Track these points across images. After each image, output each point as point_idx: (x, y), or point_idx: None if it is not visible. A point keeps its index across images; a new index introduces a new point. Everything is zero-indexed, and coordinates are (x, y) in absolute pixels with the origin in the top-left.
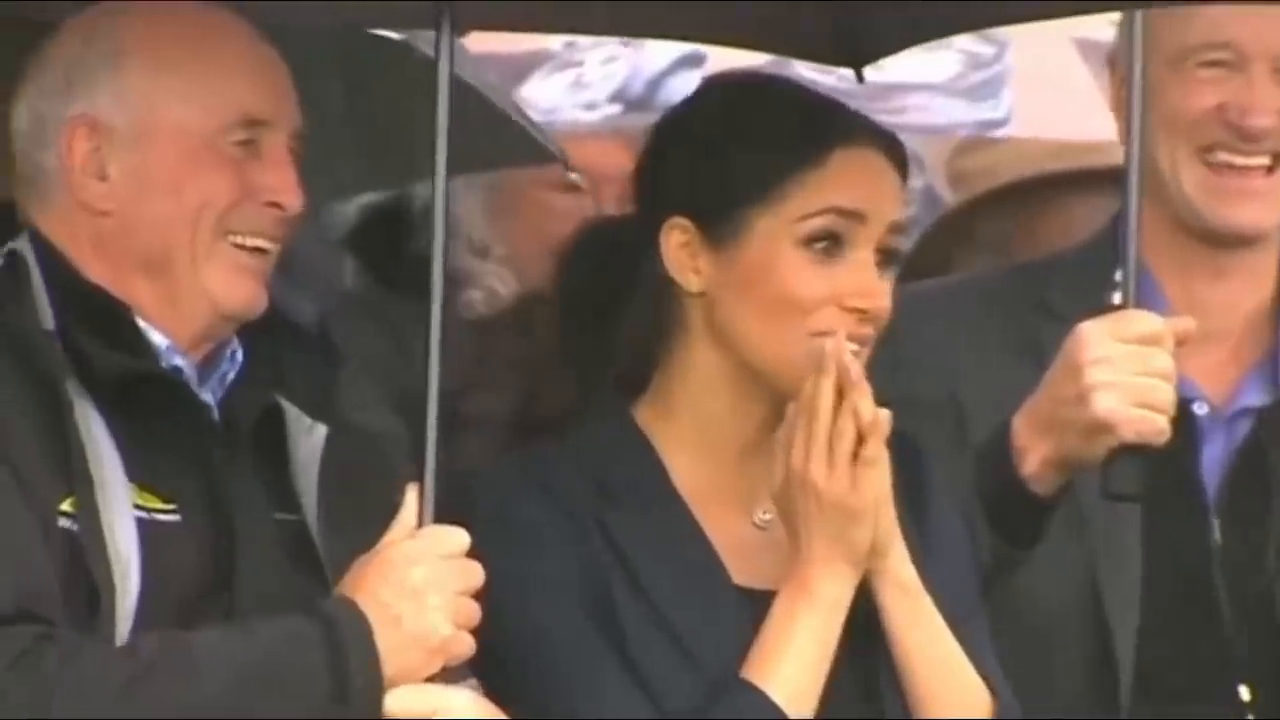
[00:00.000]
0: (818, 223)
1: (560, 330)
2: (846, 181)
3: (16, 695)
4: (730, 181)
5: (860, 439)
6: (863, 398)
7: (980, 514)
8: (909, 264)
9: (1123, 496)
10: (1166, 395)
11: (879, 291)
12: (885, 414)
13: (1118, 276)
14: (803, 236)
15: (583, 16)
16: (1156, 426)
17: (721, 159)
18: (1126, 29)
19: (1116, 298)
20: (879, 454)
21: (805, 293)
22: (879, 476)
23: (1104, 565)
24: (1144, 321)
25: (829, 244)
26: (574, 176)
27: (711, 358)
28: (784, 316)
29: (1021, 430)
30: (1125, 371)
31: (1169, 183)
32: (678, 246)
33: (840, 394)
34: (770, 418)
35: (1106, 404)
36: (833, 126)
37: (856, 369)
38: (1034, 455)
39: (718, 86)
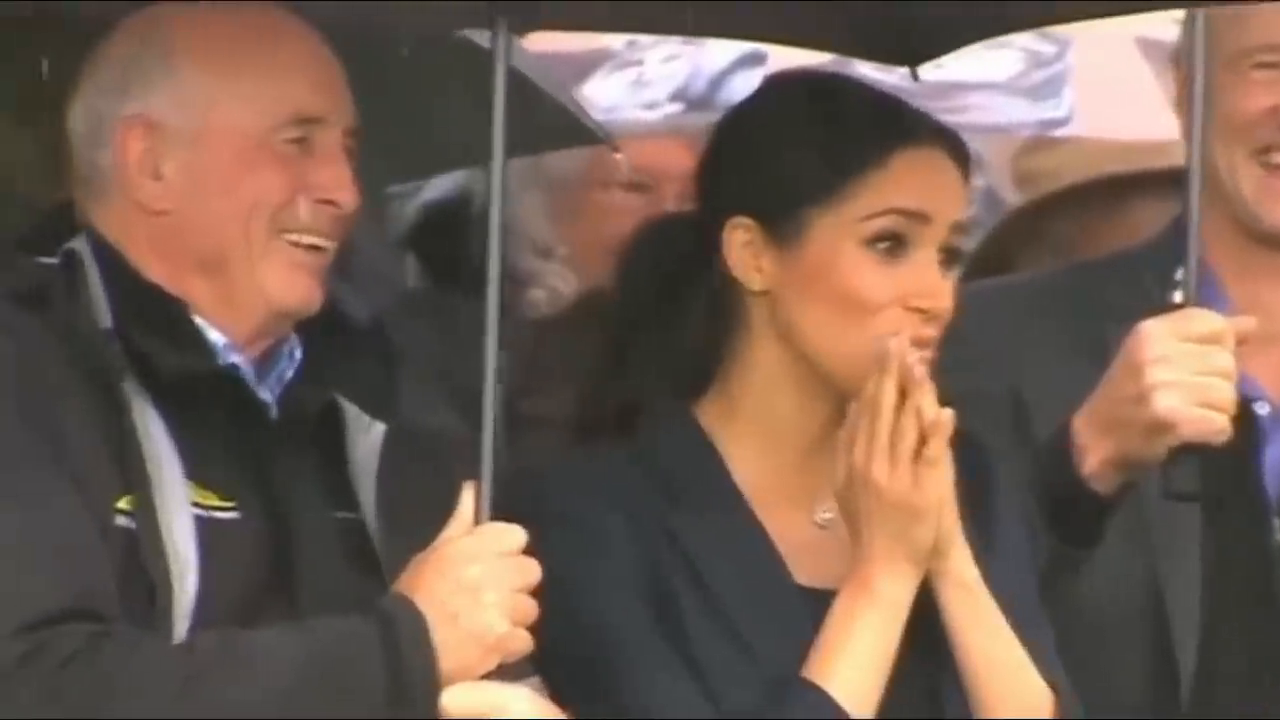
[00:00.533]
0: (881, 223)
1: (616, 329)
2: (910, 182)
3: (71, 694)
4: (793, 181)
5: (922, 438)
6: (925, 397)
7: (1039, 513)
8: (972, 264)
9: (1183, 496)
10: (1227, 394)
11: (942, 291)
12: (948, 413)
13: (1179, 275)
14: (866, 237)
15: (641, 16)
16: (1217, 426)
17: (784, 159)
18: (1189, 28)
19: (1178, 296)
20: (941, 453)
21: (869, 293)
22: (941, 476)
23: (1165, 567)
24: (1205, 320)
25: (892, 244)
26: (623, 166)
27: (774, 356)
28: (848, 317)
29: (1082, 429)
30: (1186, 370)
31: (1227, 184)
32: (741, 246)
33: (903, 393)
34: (834, 416)
35: (1167, 403)
36: (896, 126)
37: (920, 368)
38: (1094, 454)
39: (779, 85)
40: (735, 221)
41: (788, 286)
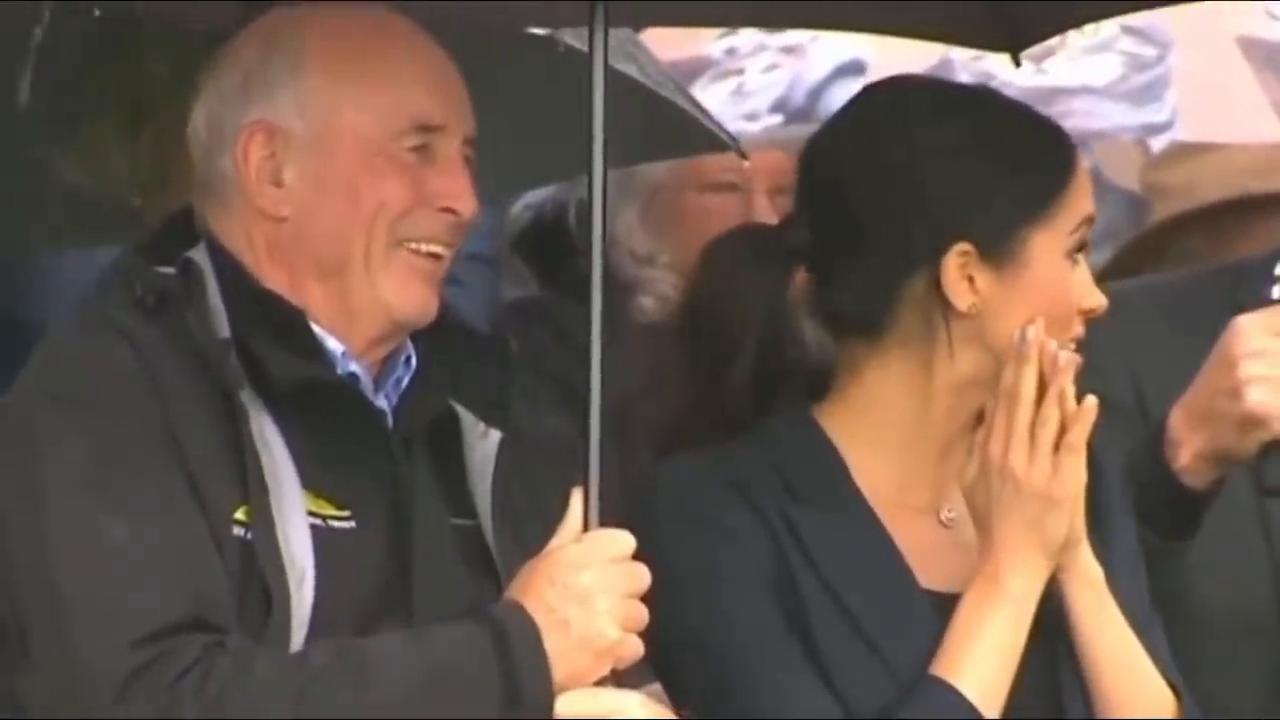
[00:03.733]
0: (1080, 234)
1: (688, 334)
2: (1087, 189)
3: (187, 706)
4: (1012, 204)
5: (1063, 427)
6: (1069, 382)
7: (1134, 506)
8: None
9: (1278, 491)
10: None
11: (1101, 294)
12: (1093, 400)
13: (1278, 271)
14: (1070, 248)
15: (740, 11)
16: None
17: (1000, 183)
18: None
19: (1277, 292)
20: (1083, 441)
21: (1077, 302)
22: (1080, 465)
23: None
24: None
25: (1081, 253)
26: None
27: (948, 370)
28: (1059, 326)
29: (1177, 423)
30: (1279, 366)
31: None
32: (957, 269)
33: (1042, 383)
34: (958, 430)
35: (1259, 397)
36: (1065, 137)
37: (1065, 355)
38: (1188, 448)
39: (918, 102)
40: (954, 248)
41: (1003, 304)
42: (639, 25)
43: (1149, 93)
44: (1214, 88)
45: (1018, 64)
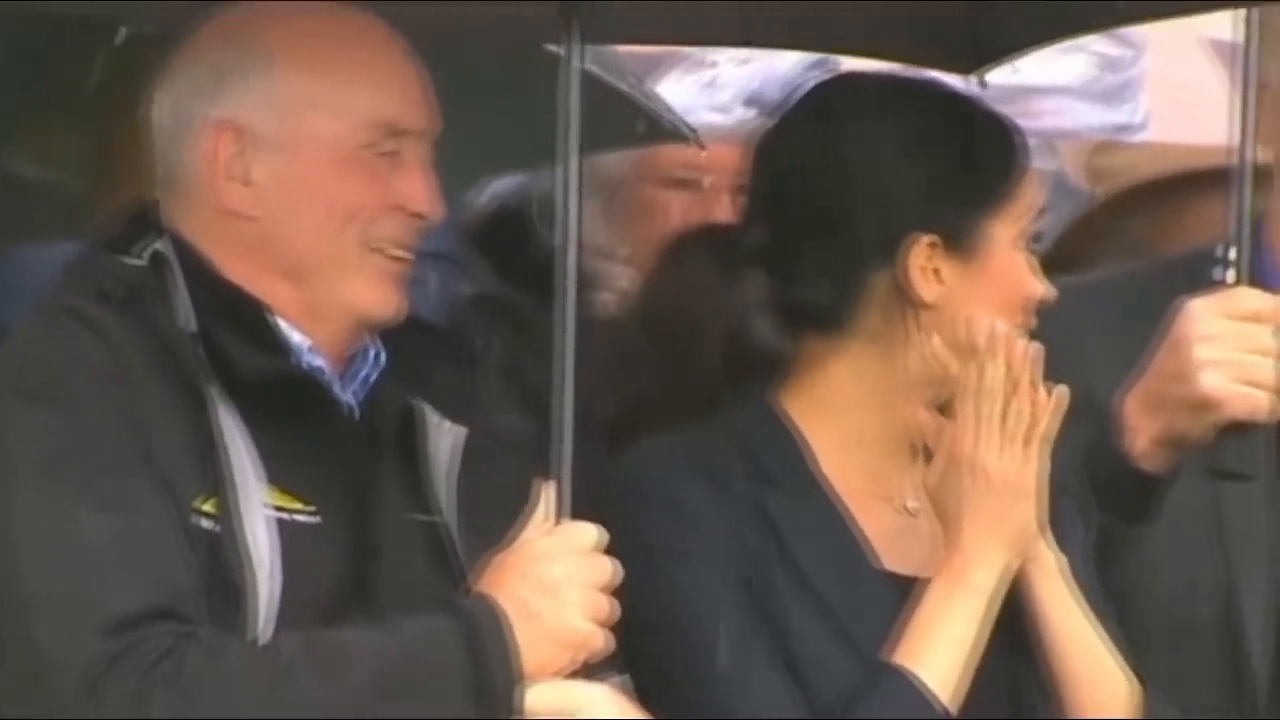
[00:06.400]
0: (1031, 224)
1: (640, 331)
2: (1036, 179)
3: (160, 695)
4: (976, 194)
5: (1033, 418)
6: (1038, 374)
7: (1091, 492)
8: (1046, 262)
9: (1230, 475)
10: (1272, 373)
11: (1049, 284)
12: (1064, 390)
13: (1230, 254)
14: (1023, 238)
15: (699, 29)
16: (1261, 404)
17: (962, 174)
18: (1246, 26)
19: (1229, 275)
20: (1053, 432)
21: (1033, 291)
22: (1045, 457)
23: (1240, 565)
24: (1252, 299)
25: (1029, 242)
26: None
27: (909, 361)
28: (1013, 316)
29: (1131, 408)
30: (1231, 348)
31: None
32: (923, 260)
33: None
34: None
35: (1212, 381)
36: (1016, 127)
37: (1033, 346)
38: (1143, 433)
39: (876, 96)
40: (918, 239)
41: (965, 295)
42: (607, 42)
43: (1122, 93)
44: (1187, 90)
45: (984, 85)
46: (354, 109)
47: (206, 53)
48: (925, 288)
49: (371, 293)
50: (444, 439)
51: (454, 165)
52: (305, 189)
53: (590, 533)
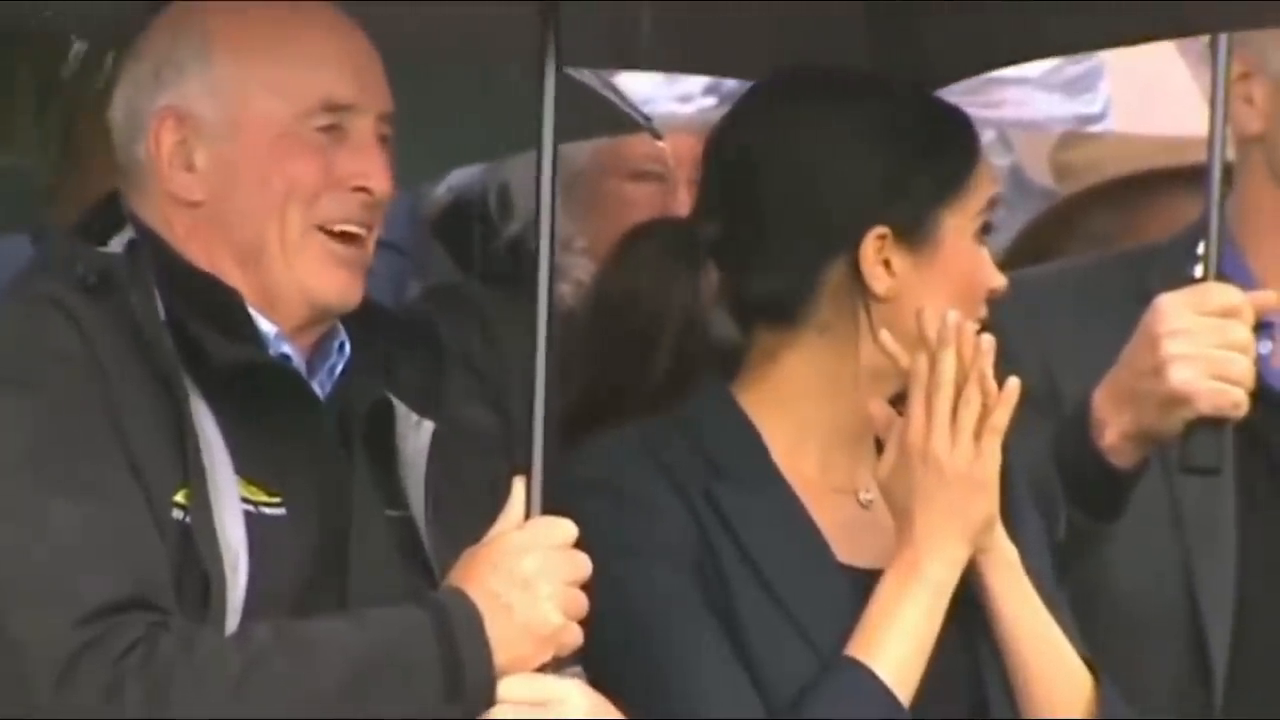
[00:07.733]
0: (987, 215)
1: (594, 323)
2: (990, 170)
3: (132, 684)
4: (926, 185)
5: (985, 410)
6: (989, 365)
7: (1060, 486)
8: (1009, 257)
9: (1200, 470)
10: (1244, 368)
11: (1003, 275)
12: (1015, 382)
13: (1200, 250)
14: (979, 229)
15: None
16: (1233, 399)
17: (912, 166)
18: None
19: (1198, 271)
20: (1004, 424)
21: (987, 282)
22: (998, 448)
23: (1199, 561)
24: (1223, 294)
25: (987, 234)
26: (655, 149)
27: (863, 353)
28: (967, 306)
29: (1101, 402)
30: (1202, 344)
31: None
32: (875, 253)
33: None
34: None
35: (1182, 376)
36: (968, 119)
37: (985, 338)
38: (1113, 428)
39: (823, 93)
40: (869, 231)
41: (916, 286)
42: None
43: (1082, 83)
44: (1147, 80)
45: None
46: (289, 87)
47: (151, 48)
48: (877, 280)
49: (320, 273)
50: (414, 434)
51: (418, 158)
52: (244, 169)
53: (563, 527)
